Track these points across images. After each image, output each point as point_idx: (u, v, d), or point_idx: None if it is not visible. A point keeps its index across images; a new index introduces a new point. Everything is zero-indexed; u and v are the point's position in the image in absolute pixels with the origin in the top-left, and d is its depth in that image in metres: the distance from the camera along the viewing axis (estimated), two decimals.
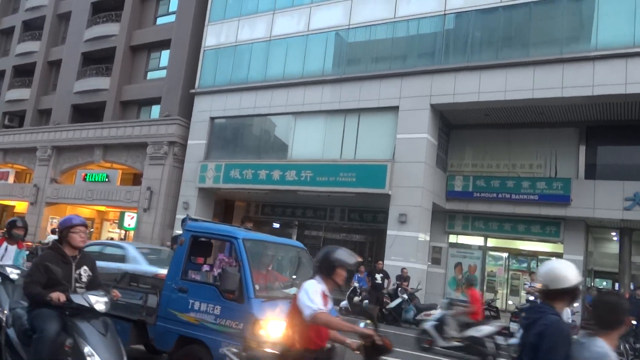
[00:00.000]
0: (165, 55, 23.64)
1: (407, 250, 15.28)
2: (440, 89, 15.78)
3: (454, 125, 17.81)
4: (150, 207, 20.80)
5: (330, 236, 20.47)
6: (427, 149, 15.80)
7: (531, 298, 13.00)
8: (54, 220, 25.09)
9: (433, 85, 15.93)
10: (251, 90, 19.67)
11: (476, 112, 16.30)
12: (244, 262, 5.22)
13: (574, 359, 2.46)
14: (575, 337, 2.65)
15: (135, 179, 23.67)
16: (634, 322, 11.68)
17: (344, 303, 14.63)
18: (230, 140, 20.44)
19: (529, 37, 15.01)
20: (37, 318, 4.12)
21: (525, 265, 17.06)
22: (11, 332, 4.43)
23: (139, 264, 8.99)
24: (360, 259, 10.98)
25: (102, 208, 25.40)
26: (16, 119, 29.55)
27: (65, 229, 4.37)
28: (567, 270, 2.63)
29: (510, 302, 16.51)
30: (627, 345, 11.59)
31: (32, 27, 30.05)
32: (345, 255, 3.34)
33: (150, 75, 24.53)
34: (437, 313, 10.65)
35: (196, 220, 6.60)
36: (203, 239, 6.08)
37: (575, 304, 13.12)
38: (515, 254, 17.39)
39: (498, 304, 15.24)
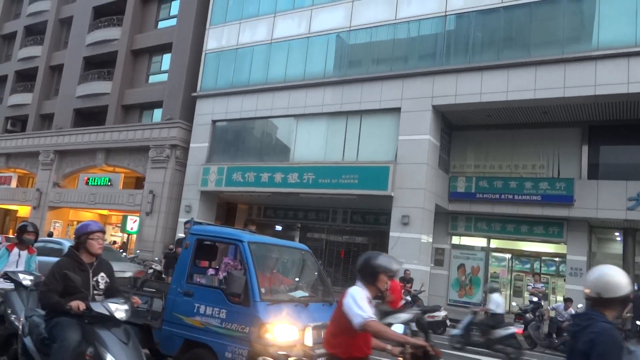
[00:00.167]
0: (166, 58, 23.69)
1: (409, 252, 15.24)
2: (442, 90, 15.77)
3: (456, 127, 17.78)
4: (152, 211, 20.82)
5: (333, 238, 20.44)
6: (429, 151, 15.77)
7: (534, 299, 12.97)
8: (57, 225, 25.16)
9: (435, 87, 15.92)
10: (253, 93, 19.68)
11: (478, 112, 16.27)
12: (249, 265, 5.21)
13: None
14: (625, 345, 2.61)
15: (138, 182, 23.70)
16: (638, 323, 11.62)
17: None
18: (232, 143, 20.45)
19: (530, 38, 14.99)
20: (56, 327, 4.01)
21: (528, 266, 17.01)
22: (28, 341, 4.31)
23: None
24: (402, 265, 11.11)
25: (105, 212, 25.44)
26: (18, 123, 29.63)
27: (83, 235, 4.26)
28: (619, 278, 2.57)
29: (513, 304, 16.45)
30: (631, 347, 11.52)
31: (34, 32, 30.16)
32: (387, 261, 3.29)
33: (152, 79, 24.58)
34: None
35: (200, 223, 6.59)
36: (208, 243, 6.07)
37: (580, 305, 13.06)
38: (518, 255, 17.34)
39: None
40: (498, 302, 10.61)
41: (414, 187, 15.43)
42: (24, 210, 28.07)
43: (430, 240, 16.16)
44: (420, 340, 3.09)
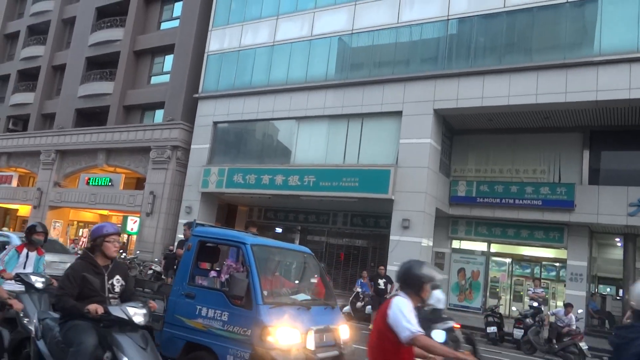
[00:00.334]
0: (169, 60, 23.74)
1: (409, 255, 15.12)
2: (444, 94, 15.78)
3: (457, 130, 17.79)
4: (153, 212, 20.82)
5: (333, 241, 20.44)
6: (431, 154, 15.77)
7: (535, 304, 12.94)
8: (57, 224, 25.17)
9: (436, 90, 15.92)
10: (254, 95, 19.71)
11: (479, 117, 16.28)
12: (252, 267, 5.19)
13: None
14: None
15: (138, 183, 23.71)
16: None
17: (347, 308, 14.57)
18: (233, 145, 20.46)
19: (532, 42, 15.00)
20: (72, 330, 3.93)
21: (528, 271, 16.99)
22: (41, 344, 4.22)
23: None
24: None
25: (105, 212, 25.44)
26: (20, 122, 29.67)
27: (99, 238, 4.17)
28: None
29: (513, 309, 16.38)
30: None
31: (37, 32, 30.23)
32: (432, 270, 3.22)
33: (154, 79, 24.61)
34: None
35: (203, 225, 6.58)
36: (210, 245, 6.05)
37: (580, 311, 13.05)
38: (518, 259, 17.32)
39: (501, 310, 15.15)
40: (439, 297, 10.92)
41: (414, 191, 15.43)
42: (24, 210, 28.09)
43: (431, 244, 16.15)
44: (471, 356, 3.01)
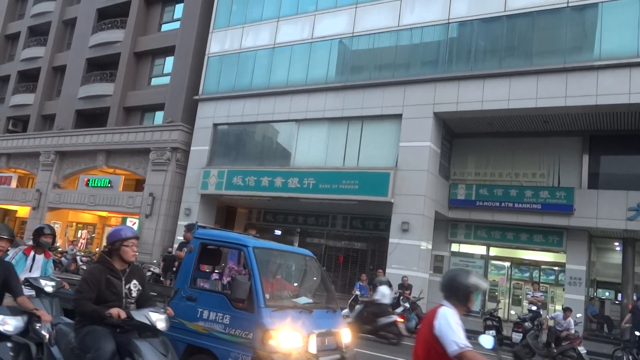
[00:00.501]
0: (169, 61, 23.75)
1: (409, 258, 15.23)
2: (444, 98, 15.80)
3: (457, 134, 17.81)
4: (152, 213, 20.81)
5: (332, 244, 20.43)
6: (430, 157, 15.79)
7: (534, 308, 12.93)
8: (56, 226, 25.13)
9: (436, 94, 15.95)
10: (254, 97, 19.73)
11: (479, 120, 16.30)
12: (254, 270, 5.15)
13: None
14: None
15: (138, 184, 23.69)
16: (637, 333, 11.59)
17: (346, 311, 14.53)
18: (233, 147, 20.46)
19: (532, 46, 15.03)
20: (89, 336, 3.81)
21: (527, 274, 16.98)
22: (55, 350, 4.09)
23: None
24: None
25: (104, 214, 25.42)
26: (20, 123, 29.65)
27: (117, 242, 4.05)
28: None
29: (512, 312, 16.42)
30: (630, 357, 11.49)
31: (38, 33, 30.24)
32: (478, 280, 3.14)
33: (154, 81, 24.63)
34: None
35: (204, 227, 6.55)
36: (212, 247, 6.03)
37: (578, 315, 13.05)
38: (517, 263, 17.32)
39: (500, 313, 15.14)
40: (384, 293, 11.79)
41: (414, 194, 15.43)
42: (23, 211, 28.06)
43: (430, 247, 16.15)
44: None
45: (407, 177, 15.61)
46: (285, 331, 4.85)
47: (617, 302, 16.95)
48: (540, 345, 12.01)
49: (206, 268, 6.63)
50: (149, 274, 16.34)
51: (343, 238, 20.25)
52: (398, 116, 16.50)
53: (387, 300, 11.85)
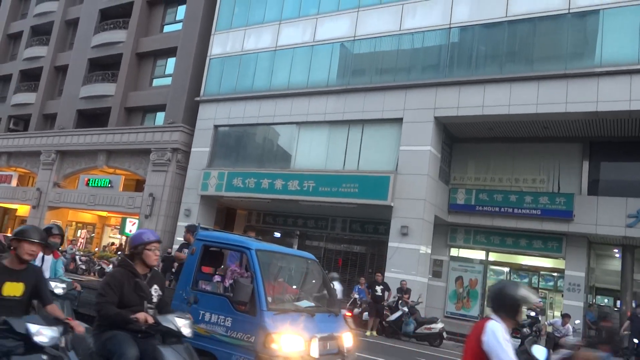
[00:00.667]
0: (171, 62, 23.80)
1: (408, 262, 15.22)
2: (445, 102, 15.83)
3: (457, 138, 17.83)
4: (151, 214, 20.82)
5: (331, 247, 20.42)
6: (430, 162, 15.80)
7: (532, 314, 12.92)
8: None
9: (437, 98, 15.97)
10: (256, 99, 19.76)
11: (480, 125, 16.32)
12: (256, 273, 5.14)
13: None
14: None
15: (138, 185, 23.71)
16: (636, 341, 11.58)
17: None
18: (233, 149, 20.48)
19: (533, 52, 15.07)
20: (111, 341, 3.69)
21: (526, 280, 16.96)
22: (72, 355, 3.90)
23: None
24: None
25: (104, 213, 25.43)
26: (21, 122, 29.70)
27: (140, 245, 3.94)
28: None
29: None
30: None
31: (40, 33, 30.30)
32: (527, 292, 3.07)
33: (156, 82, 24.67)
34: None
35: (207, 229, 6.54)
36: (214, 249, 6.02)
37: (577, 321, 13.04)
38: (516, 268, 17.30)
39: None
40: (336, 288, 11.72)
41: (413, 198, 15.44)
42: (23, 210, 28.07)
43: (429, 251, 16.14)
44: None
45: (407, 181, 15.62)
46: (287, 335, 4.84)
47: (616, 309, 16.93)
48: None
49: (210, 270, 6.62)
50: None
51: (342, 241, 20.24)
52: (399, 120, 16.52)
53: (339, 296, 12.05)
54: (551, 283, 16.62)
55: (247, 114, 19.87)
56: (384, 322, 14.04)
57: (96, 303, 3.83)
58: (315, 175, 17.24)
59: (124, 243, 24.35)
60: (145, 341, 3.75)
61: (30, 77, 29.98)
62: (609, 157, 16.19)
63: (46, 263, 5.71)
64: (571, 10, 14.53)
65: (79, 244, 25.45)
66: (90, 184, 24.07)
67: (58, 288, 5.18)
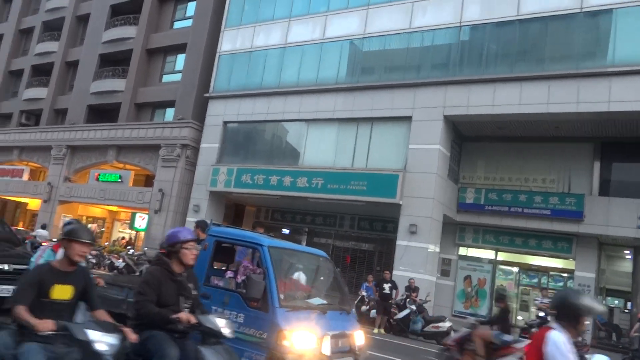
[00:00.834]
0: (180, 59, 23.88)
1: (416, 261, 15.21)
2: (454, 101, 15.76)
3: (467, 137, 17.75)
4: (161, 209, 20.95)
5: (340, 244, 20.44)
6: (439, 160, 15.75)
7: (542, 314, 12.87)
8: (66, 219, 25.38)
9: (447, 97, 15.91)
10: (265, 96, 19.78)
11: (489, 124, 16.23)
12: (269, 270, 5.14)
13: None
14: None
15: (148, 180, 23.86)
16: None
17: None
18: (242, 145, 20.54)
19: (544, 51, 14.95)
20: (150, 342, 3.59)
21: (535, 280, 16.89)
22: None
23: None
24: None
25: (114, 208, 25.62)
26: (33, 117, 29.96)
27: (177, 244, 3.87)
28: None
29: (519, 318, 16.33)
30: None
31: (52, 28, 30.51)
32: (593, 302, 3.02)
33: (166, 78, 24.77)
34: None
35: (219, 225, 6.56)
36: (226, 245, 6.03)
37: (586, 322, 12.94)
38: (525, 268, 17.21)
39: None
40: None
41: (422, 196, 15.41)
42: (34, 203, 28.34)
43: (437, 250, 16.12)
44: None
45: (415, 180, 15.58)
46: (299, 332, 4.84)
47: (626, 310, 16.80)
48: None
49: (221, 266, 6.65)
50: None
51: (350, 239, 20.25)
52: (408, 118, 16.48)
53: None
54: (561, 284, 16.52)
55: (256, 111, 19.91)
56: (391, 320, 14.06)
57: (135, 302, 3.76)
58: (324, 173, 17.25)
59: (133, 237, 24.53)
60: (182, 341, 3.68)
61: (41, 72, 30.22)
62: (621, 157, 16.05)
63: None
64: (583, 10, 14.40)
65: None
66: (100, 179, 24.25)
67: None
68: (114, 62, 26.28)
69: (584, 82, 13.96)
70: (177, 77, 23.61)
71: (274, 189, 18.17)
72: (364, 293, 15.29)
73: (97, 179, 24.36)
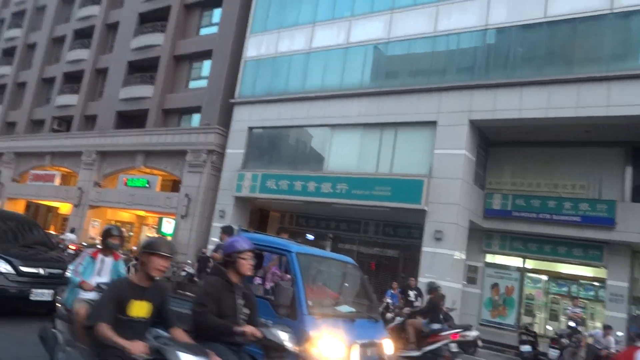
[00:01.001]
0: (206, 65, 24.23)
1: (441, 267, 15.02)
2: (480, 105, 15.55)
3: (493, 142, 17.48)
4: (187, 214, 21.23)
5: (364, 250, 20.33)
6: (465, 166, 15.55)
7: (572, 324, 12.55)
8: (95, 223, 25.96)
9: (472, 101, 15.71)
10: (289, 101, 19.88)
11: (517, 129, 15.94)
12: (297, 277, 5.13)
13: None
14: None
15: (174, 185, 24.23)
16: None
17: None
18: (267, 151, 20.68)
19: (573, 54, 14.63)
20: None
21: (565, 289, 16.46)
22: None
23: None
24: None
25: (142, 213, 26.09)
26: (64, 123, 30.79)
27: (234, 254, 3.81)
28: None
29: (549, 327, 15.95)
30: None
31: (82, 36, 31.35)
32: None
33: (192, 84, 25.16)
34: None
35: (247, 231, 6.59)
36: (255, 251, 6.07)
37: (619, 333, 12.59)
38: (555, 276, 16.79)
39: (536, 328, 14.76)
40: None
41: (448, 202, 15.23)
42: (65, 208, 29.10)
43: (463, 257, 15.89)
44: None
45: (441, 185, 15.42)
46: (328, 340, 4.80)
47: None
48: None
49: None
50: (183, 273, 16.70)
51: (375, 245, 20.13)
52: (432, 123, 16.32)
53: None
54: (592, 293, 16.07)
55: (281, 116, 20.03)
56: None
57: (196, 313, 3.62)
58: (348, 178, 17.22)
59: None
60: (239, 354, 3.59)
61: (72, 80, 31.05)
62: None
63: (106, 265, 5.56)
64: (614, 10, 14.04)
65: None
66: (129, 184, 24.73)
67: None
68: (142, 69, 26.83)
69: (615, 84, 13.60)
70: (203, 83, 23.96)
71: (298, 194, 18.22)
72: (389, 300, 15.14)
73: (126, 184, 24.85)
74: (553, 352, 12.23)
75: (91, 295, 5.04)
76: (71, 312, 4.98)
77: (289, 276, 5.82)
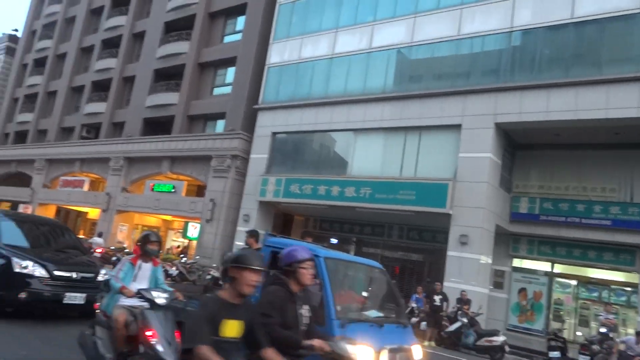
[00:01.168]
0: (231, 72, 24.57)
1: (467, 272, 14.86)
2: (506, 108, 15.38)
3: (520, 145, 17.23)
4: (212, 218, 21.50)
5: (388, 254, 20.24)
6: (491, 169, 15.38)
7: (603, 330, 12.26)
8: (122, 228, 26.48)
9: (498, 104, 15.55)
10: (312, 106, 20.00)
11: (544, 131, 15.70)
12: (325, 281, 5.07)
13: None
14: None
15: (199, 190, 24.58)
16: None
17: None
18: (290, 155, 20.82)
19: (601, 54, 14.36)
20: None
21: (596, 294, 16.06)
22: None
23: None
24: None
25: (168, 217, 26.53)
26: (93, 130, 31.61)
27: (294, 263, 3.69)
28: None
29: (579, 333, 15.59)
30: None
31: (110, 46, 32.20)
32: None
33: (216, 91, 25.54)
34: None
35: (274, 235, 6.62)
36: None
37: None
38: (585, 282, 16.42)
39: (565, 334, 14.44)
40: None
41: (473, 206, 15.07)
42: (94, 213, 29.79)
43: (490, 261, 15.68)
44: None
45: (466, 189, 15.27)
46: (356, 345, 4.82)
47: None
48: None
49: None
50: (208, 277, 16.90)
51: (399, 249, 20.02)
52: (457, 126, 16.20)
53: None
54: (624, 298, 15.65)
55: (304, 121, 20.15)
56: (442, 333, 13.77)
57: (263, 324, 3.38)
58: (372, 182, 17.20)
59: (187, 246, 25.28)
60: None
61: (101, 88, 31.87)
62: None
63: (145, 271, 5.52)
64: None
65: None
66: (155, 189, 25.18)
67: (160, 298, 4.87)
68: (167, 76, 27.37)
69: None
70: (227, 89, 24.29)
71: (322, 198, 18.28)
72: (414, 305, 15.06)
73: (152, 189, 25.31)
74: (583, 359, 11.96)
75: (131, 302, 5.05)
76: (110, 319, 5.02)
77: (317, 281, 5.84)
